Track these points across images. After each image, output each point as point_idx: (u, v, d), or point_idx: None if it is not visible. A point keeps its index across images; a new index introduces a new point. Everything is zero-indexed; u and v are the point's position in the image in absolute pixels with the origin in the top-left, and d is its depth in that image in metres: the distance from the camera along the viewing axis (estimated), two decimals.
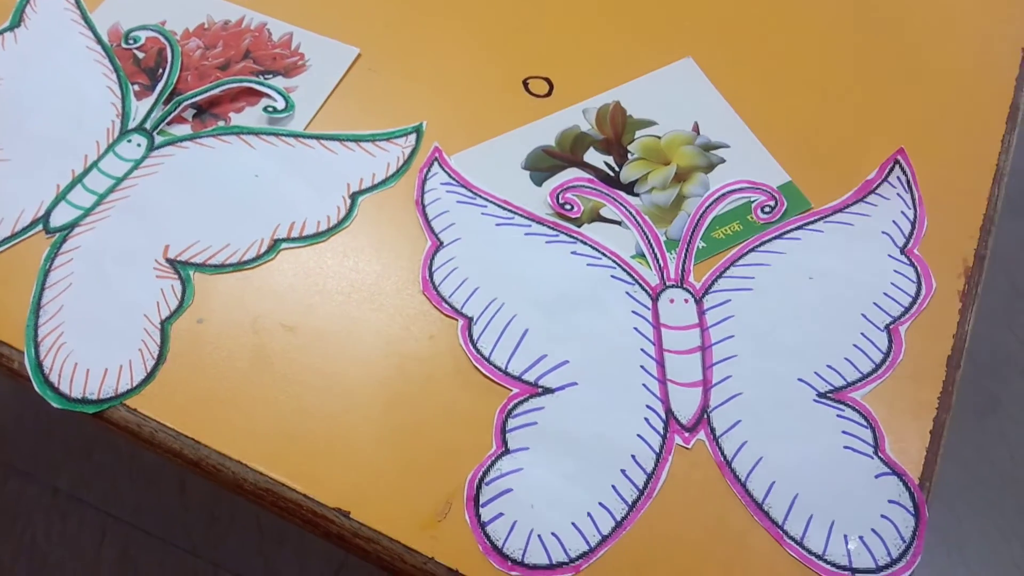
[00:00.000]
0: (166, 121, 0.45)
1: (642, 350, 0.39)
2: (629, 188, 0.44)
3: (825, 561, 0.34)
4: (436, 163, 0.45)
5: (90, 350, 0.39)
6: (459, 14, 0.51)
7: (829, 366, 0.38)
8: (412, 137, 0.46)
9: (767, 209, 0.43)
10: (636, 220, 0.43)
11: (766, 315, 0.40)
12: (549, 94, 0.48)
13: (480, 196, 0.44)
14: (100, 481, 0.90)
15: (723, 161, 0.45)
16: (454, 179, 0.44)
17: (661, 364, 0.39)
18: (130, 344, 0.39)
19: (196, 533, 0.88)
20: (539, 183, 0.45)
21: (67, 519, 0.88)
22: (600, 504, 0.35)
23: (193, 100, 0.46)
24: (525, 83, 0.48)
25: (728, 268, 0.41)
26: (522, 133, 0.46)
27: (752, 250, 0.42)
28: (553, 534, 0.35)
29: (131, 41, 0.48)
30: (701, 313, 0.40)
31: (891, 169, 0.44)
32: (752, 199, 0.44)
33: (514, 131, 0.46)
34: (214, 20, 0.49)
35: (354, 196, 0.44)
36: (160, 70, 0.47)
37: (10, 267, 0.41)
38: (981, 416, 0.98)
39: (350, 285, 0.41)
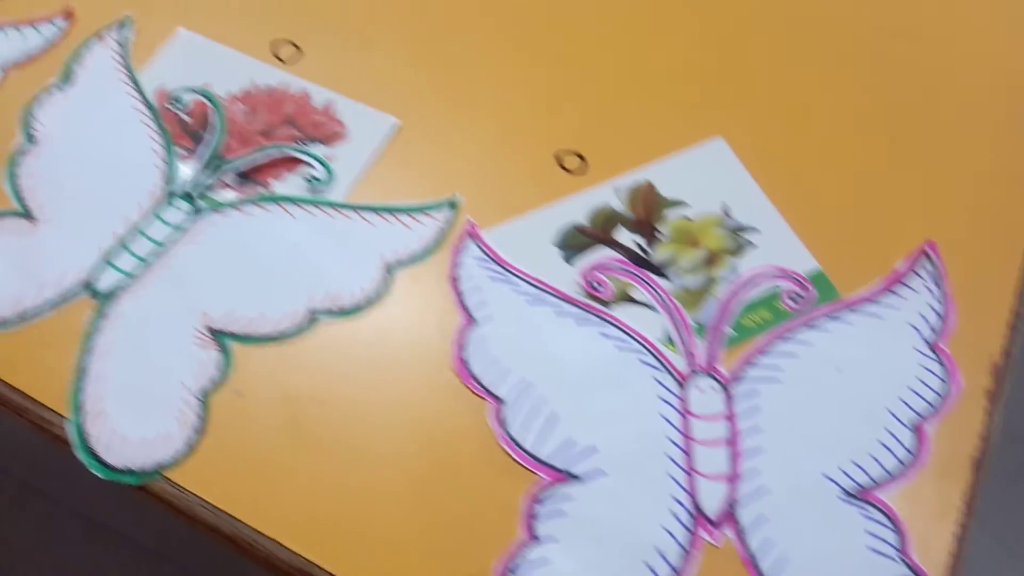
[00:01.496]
0: (209, 187, 0.46)
1: (669, 438, 0.40)
2: (659, 269, 0.45)
3: None
4: (470, 238, 0.46)
5: (132, 419, 0.40)
6: (493, 86, 0.52)
7: (855, 462, 0.39)
8: (447, 211, 0.46)
9: (796, 297, 0.44)
10: (666, 304, 0.43)
11: (794, 408, 0.40)
12: (580, 170, 0.48)
13: (513, 273, 0.44)
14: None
15: (752, 245, 0.46)
16: (487, 255, 0.45)
17: (688, 454, 0.39)
18: (170, 414, 0.40)
19: None
20: (570, 261, 0.45)
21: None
22: None
23: (236, 167, 0.47)
24: (557, 157, 0.49)
25: (756, 357, 0.42)
26: (554, 210, 0.47)
27: (780, 339, 0.42)
28: None
29: (177, 103, 0.49)
30: (729, 403, 0.41)
31: (920, 261, 0.45)
32: (781, 286, 0.44)
33: (546, 207, 0.47)
34: (257, 84, 0.51)
35: (390, 268, 0.45)
36: (205, 134, 0.48)
37: (55, 330, 0.42)
38: (1012, 481, 0.97)
39: (383, 360, 0.42)
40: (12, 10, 0.53)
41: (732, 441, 0.40)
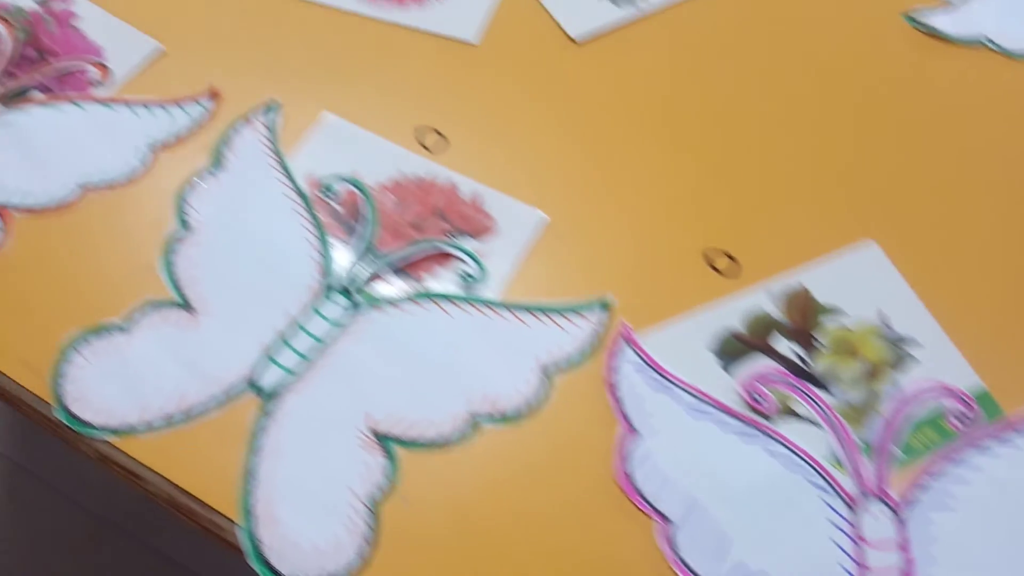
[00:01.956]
0: (366, 281, 0.47)
1: (842, 566, 0.39)
2: (820, 382, 0.45)
3: None
4: (626, 343, 0.45)
5: (303, 526, 0.40)
6: (641, 182, 0.51)
7: None
8: (600, 312, 0.46)
9: (962, 417, 0.43)
10: (830, 420, 0.43)
11: (970, 537, 0.40)
12: (730, 270, 0.48)
13: (672, 382, 0.44)
14: None
15: (913, 358, 0.45)
16: (645, 361, 0.45)
17: None
18: (340, 521, 0.40)
19: None
20: (728, 369, 0.45)
21: None
22: None
23: (391, 262, 0.47)
24: (706, 256, 0.49)
25: (926, 481, 0.41)
26: (708, 314, 0.47)
27: (948, 462, 0.42)
28: None
29: (329, 192, 0.50)
30: (902, 529, 0.40)
31: None
32: (946, 404, 0.44)
33: (700, 311, 0.47)
34: (405, 173, 0.51)
35: (546, 371, 0.44)
36: (357, 224, 0.49)
37: (221, 429, 0.43)
38: None
39: (545, 469, 0.42)
40: (158, 88, 0.54)
41: (907, 572, 0.39)
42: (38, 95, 0.53)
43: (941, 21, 0.58)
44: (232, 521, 0.40)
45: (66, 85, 0.53)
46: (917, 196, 0.51)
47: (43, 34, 0.55)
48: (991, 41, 0.57)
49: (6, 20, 0.56)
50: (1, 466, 0.98)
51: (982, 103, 0.56)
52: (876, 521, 0.40)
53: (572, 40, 0.57)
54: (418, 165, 0.51)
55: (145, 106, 0.52)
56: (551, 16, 0.57)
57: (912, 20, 0.58)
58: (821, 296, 0.47)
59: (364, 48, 0.56)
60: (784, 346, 0.46)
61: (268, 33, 0.57)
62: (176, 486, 0.41)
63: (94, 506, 0.95)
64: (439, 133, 0.52)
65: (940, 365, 0.45)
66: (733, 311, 0.47)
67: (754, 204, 0.51)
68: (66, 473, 0.97)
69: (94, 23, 0.56)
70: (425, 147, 0.52)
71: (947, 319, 0.46)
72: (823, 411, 0.43)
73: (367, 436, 0.42)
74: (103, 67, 0.54)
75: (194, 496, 0.41)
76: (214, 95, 0.53)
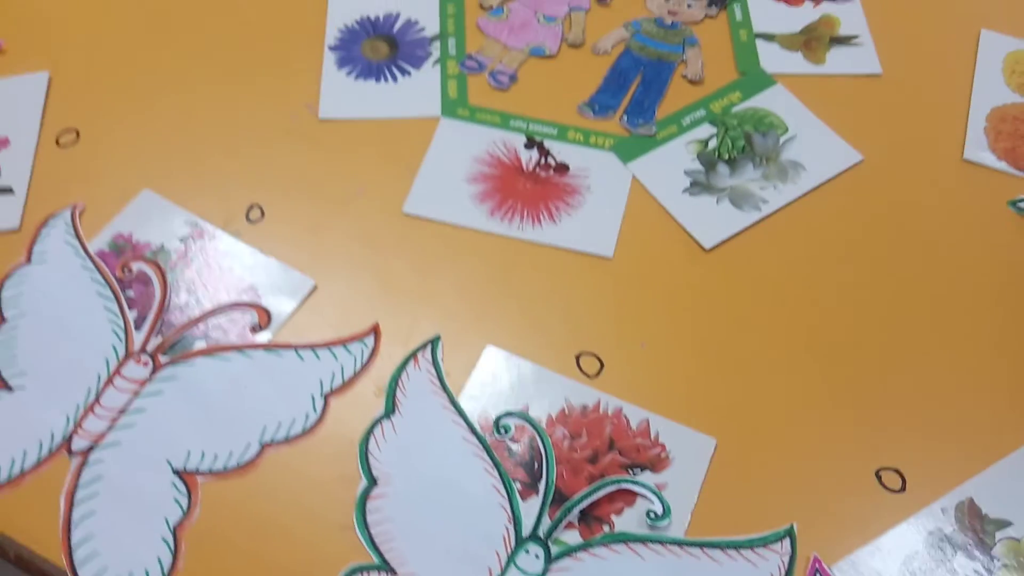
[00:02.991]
0: (556, 527, 0.48)
1: None
2: None
3: None
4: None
5: None
6: (804, 402, 0.53)
7: None
8: (787, 543, 0.48)
9: None
10: None
11: None
12: (901, 488, 0.50)
13: None
14: None
15: None
16: None
17: None
18: None
19: None
20: None
21: None
22: None
23: (579, 505, 0.48)
24: (877, 474, 0.51)
25: None
26: (890, 537, 0.48)
27: None
28: None
29: (502, 431, 0.51)
30: None
31: None
32: None
33: (883, 536, 0.48)
34: (571, 403, 0.52)
35: None
36: (535, 463, 0.50)
37: None
38: None
39: None
40: (314, 325, 0.55)
41: None
42: (200, 343, 0.54)
43: None
44: None
45: (228, 332, 0.55)
46: None
47: (194, 275, 0.57)
48: None
49: (153, 263, 0.57)
50: None
51: None
52: None
53: (701, 247, 0.59)
54: (582, 393, 0.53)
55: (311, 349, 0.54)
56: (680, 225, 0.60)
57: (1017, 207, 0.62)
58: (992, 509, 0.49)
59: (509, 269, 0.58)
60: (965, 564, 0.47)
61: (418, 262, 0.59)
62: None
63: None
64: (597, 358, 0.54)
65: None
66: (912, 533, 0.49)
67: (922, 419, 0.53)
68: None
69: (242, 260, 0.58)
70: (585, 372, 0.54)
71: None
72: None
73: None
74: (263, 310, 0.55)
75: None
76: (376, 332, 0.55)
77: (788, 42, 0.70)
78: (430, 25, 0.71)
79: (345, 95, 0.67)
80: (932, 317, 0.57)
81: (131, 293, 0.56)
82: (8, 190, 0.61)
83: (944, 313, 0.57)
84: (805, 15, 0.72)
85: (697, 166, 0.63)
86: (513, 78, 0.68)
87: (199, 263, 0.57)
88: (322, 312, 0.56)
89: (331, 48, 0.70)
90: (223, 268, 0.57)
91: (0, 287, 0.56)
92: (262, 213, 0.60)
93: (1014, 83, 0.67)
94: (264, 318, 0.55)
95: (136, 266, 0.57)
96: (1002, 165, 0.63)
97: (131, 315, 0.55)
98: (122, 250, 0.58)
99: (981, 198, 0.62)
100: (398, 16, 0.72)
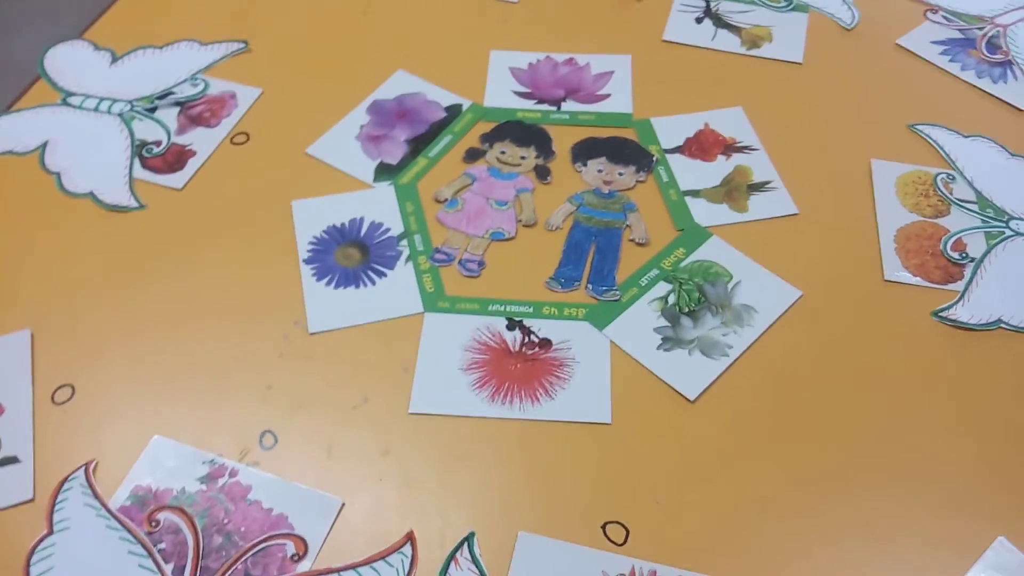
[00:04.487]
0: None
1: None
2: None
3: None
4: None
5: None
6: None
7: None
8: None
9: None
10: None
11: None
12: None
13: None
14: None
15: None
16: None
17: None
18: None
19: None
20: None
21: None
22: None
23: None
24: None
25: None
26: None
27: None
28: None
29: None
30: None
31: None
32: None
33: None
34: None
35: None
36: None
37: None
38: None
39: None
40: (353, 545, 0.57)
41: None
42: None
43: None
44: None
45: (269, 567, 0.56)
46: None
47: (223, 515, 0.58)
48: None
49: (179, 509, 0.58)
50: None
51: None
52: None
53: (686, 399, 0.65)
54: (619, 564, 0.57)
55: (354, 570, 0.56)
56: (663, 381, 0.66)
57: (939, 316, 0.71)
58: None
59: (521, 450, 0.62)
60: None
61: (434, 459, 0.62)
62: None
63: None
64: (623, 525, 0.58)
65: None
66: None
67: (884, 532, 0.59)
68: None
69: (267, 491, 0.59)
70: (613, 541, 0.58)
71: None
72: None
73: None
74: (298, 539, 0.57)
75: None
76: (411, 540, 0.57)
77: (712, 195, 0.80)
78: (394, 225, 0.77)
79: (329, 306, 0.71)
80: (887, 431, 0.64)
81: (163, 545, 0.56)
82: (13, 459, 0.61)
83: (897, 426, 0.64)
84: (720, 168, 0.82)
85: (663, 322, 0.70)
86: (482, 264, 0.74)
87: (225, 502, 0.59)
88: (354, 528, 0.58)
89: (305, 262, 0.74)
90: (250, 503, 0.59)
91: (28, 565, 0.55)
92: (275, 439, 0.63)
93: (909, 203, 0.78)
94: (301, 546, 0.57)
95: (163, 516, 0.58)
96: (918, 280, 0.72)
97: (167, 568, 0.55)
98: (145, 502, 0.59)
99: (908, 313, 0.71)
100: (362, 220, 0.77)
